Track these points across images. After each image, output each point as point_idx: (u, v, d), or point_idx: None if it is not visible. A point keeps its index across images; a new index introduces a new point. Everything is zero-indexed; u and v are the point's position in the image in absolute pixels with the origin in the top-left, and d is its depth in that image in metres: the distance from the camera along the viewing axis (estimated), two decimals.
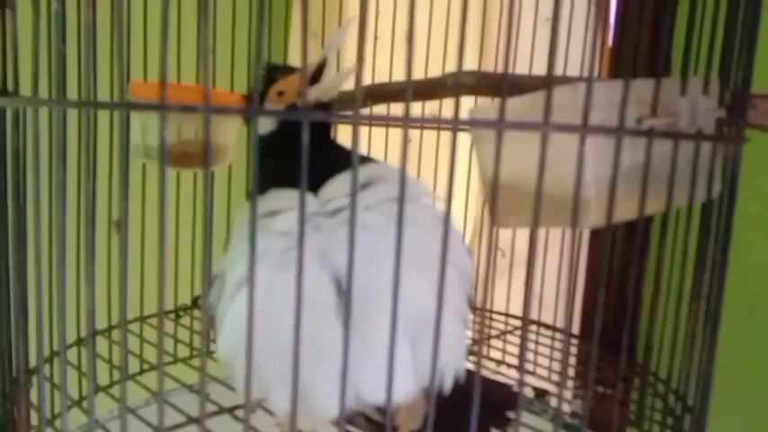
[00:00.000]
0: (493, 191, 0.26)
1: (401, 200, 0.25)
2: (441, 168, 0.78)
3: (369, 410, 0.47)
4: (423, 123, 0.24)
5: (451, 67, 0.73)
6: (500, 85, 0.47)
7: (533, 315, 0.77)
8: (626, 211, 0.31)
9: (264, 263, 0.35)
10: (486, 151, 0.36)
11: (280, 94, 0.43)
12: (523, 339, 0.27)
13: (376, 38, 0.82)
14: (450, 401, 0.37)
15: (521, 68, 0.70)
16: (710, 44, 0.38)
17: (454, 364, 0.40)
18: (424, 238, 0.34)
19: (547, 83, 0.26)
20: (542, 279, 0.74)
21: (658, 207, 0.32)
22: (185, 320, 0.73)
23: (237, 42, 0.73)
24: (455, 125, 0.25)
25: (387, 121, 0.32)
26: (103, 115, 0.61)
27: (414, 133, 0.82)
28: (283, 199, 0.37)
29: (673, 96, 0.32)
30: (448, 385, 0.39)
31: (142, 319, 0.69)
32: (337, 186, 0.38)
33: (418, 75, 0.72)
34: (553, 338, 0.73)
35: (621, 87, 0.29)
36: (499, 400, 0.50)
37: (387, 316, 0.26)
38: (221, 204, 0.71)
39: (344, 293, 0.28)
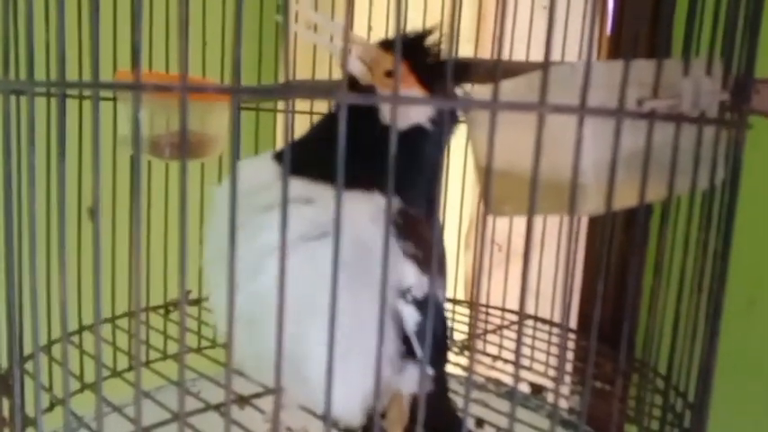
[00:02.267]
0: (487, 177, 0.24)
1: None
2: None
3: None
4: (415, 102, 0.22)
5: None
6: (493, 71, 0.45)
7: (530, 310, 0.76)
8: (625, 198, 0.29)
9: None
10: (479, 137, 0.35)
11: (387, 74, 0.38)
12: (520, 333, 0.25)
13: (370, 28, 0.81)
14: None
15: (518, 56, 0.69)
16: (713, 28, 0.37)
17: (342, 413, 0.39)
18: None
19: (544, 67, 0.25)
20: (539, 273, 0.72)
21: (659, 194, 0.31)
22: (174, 316, 0.72)
23: (227, 36, 0.72)
24: (446, 104, 0.24)
25: (372, 102, 0.30)
26: (73, 103, 0.59)
27: None
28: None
29: (675, 78, 0.30)
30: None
31: (130, 314, 0.67)
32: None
33: None
34: (550, 333, 0.72)
35: (621, 68, 0.27)
36: None
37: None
38: (159, 200, 0.70)
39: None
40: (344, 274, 0.25)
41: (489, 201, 0.32)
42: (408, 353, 0.39)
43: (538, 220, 0.72)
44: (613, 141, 0.26)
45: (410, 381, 0.40)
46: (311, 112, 0.75)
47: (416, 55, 0.37)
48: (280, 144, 0.81)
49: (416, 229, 0.37)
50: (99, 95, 0.26)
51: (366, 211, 0.35)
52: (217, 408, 0.47)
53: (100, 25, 0.26)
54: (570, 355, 0.71)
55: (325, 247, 0.26)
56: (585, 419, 0.31)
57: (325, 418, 0.24)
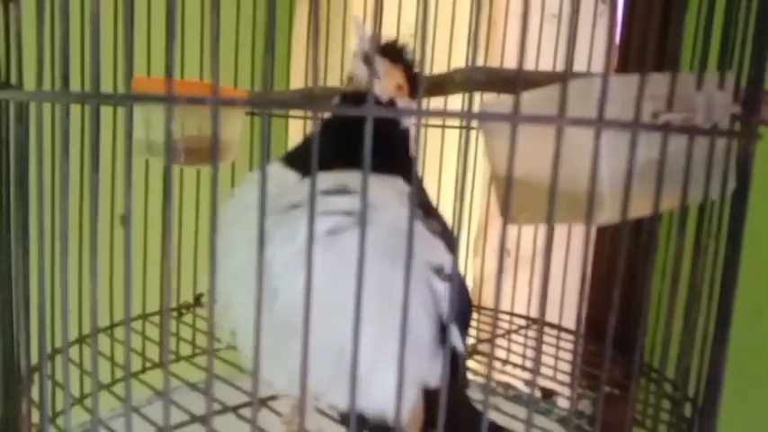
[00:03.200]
0: (507, 187, 0.25)
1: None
2: (446, 165, 0.77)
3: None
4: (437, 114, 0.23)
5: (457, 63, 0.73)
6: (511, 81, 0.46)
7: (537, 314, 0.77)
8: (639, 209, 0.30)
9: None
10: (497, 147, 0.35)
11: (399, 87, 0.42)
12: (539, 341, 0.26)
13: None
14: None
15: (527, 65, 0.70)
16: (722, 41, 0.37)
17: (390, 410, 0.37)
18: (384, 266, 0.32)
19: (563, 78, 0.26)
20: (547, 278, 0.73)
21: (672, 204, 0.31)
22: (188, 318, 0.73)
23: (241, 40, 0.73)
24: (468, 118, 0.25)
25: (399, 115, 0.31)
26: (106, 110, 0.60)
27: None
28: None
29: (688, 91, 0.31)
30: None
31: (144, 316, 0.68)
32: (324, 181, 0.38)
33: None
34: (558, 338, 0.73)
35: (636, 82, 0.28)
36: None
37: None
38: (189, 205, 0.70)
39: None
40: (389, 258, 0.26)
41: (508, 210, 0.33)
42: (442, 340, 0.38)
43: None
44: (628, 153, 0.27)
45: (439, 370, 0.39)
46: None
47: (412, 67, 0.41)
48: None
49: (431, 208, 0.39)
50: (132, 107, 0.27)
51: (394, 197, 0.36)
52: (234, 410, 0.47)
53: (135, 36, 0.27)
54: (578, 360, 0.71)
55: (369, 234, 0.26)
56: (589, 422, 0.32)
57: (396, 417, 0.25)
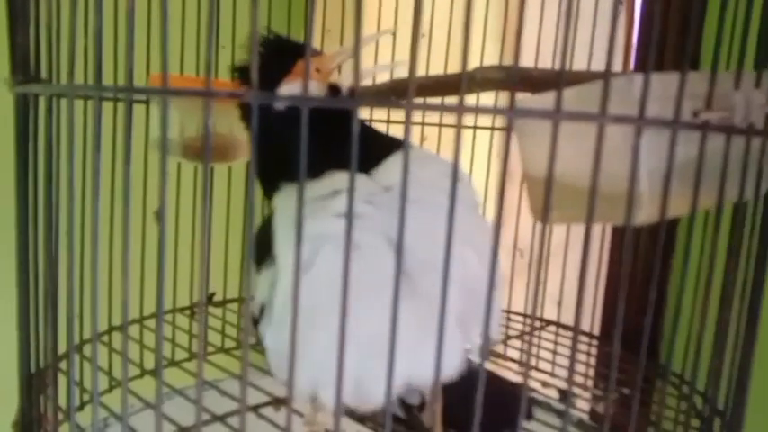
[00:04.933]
0: (547, 185, 0.25)
1: (455, 175, 0.24)
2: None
3: (395, 406, 0.46)
4: (477, 111, 0.23)
5: (453, 61, 0.73)
6: (531, 79, 0.46)
7: (552, 316, 0.76)
8: (677, 208, 0.30)
9: (329, 245, 0.34)
10: (529, 146, 0.35)
11: (317, 70, 0.42)
12: (574, 351, 0.26)
13: (394, 33, 0.82)
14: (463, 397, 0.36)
15: (543, 64, 0.70)
16: (759, 38, 0.37)
17: (495, 338, 0.38)
18: (469, 214, 0.33)
19: (605, 78, 0.25)
20: (562, 279, 0.73)
21: (707, 204, 0.31)
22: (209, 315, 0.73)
23: (238, 37, 0.72)
24: (510, 114, 0.24)
25: (440, 110, 0.31)
26: (138, 109, 0.60)
27: (430, 131, 0.81)
28: (339, 181, 0.36)
29: (725, 90, 0.31)
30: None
31: (174, 311, 0.68)
32: (393, 166, 0.37)
33: (438, 70, 0.71)
34: (573, 339, 0.72)
35: (674, 81, 0.28)
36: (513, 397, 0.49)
37: (451, 290, 0.26)
38: (220, 201, 0.70)
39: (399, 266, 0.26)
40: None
41: (536, 209, 0.33)
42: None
43: (562, 226, 0.72)
44: (668, 151, 0.27)
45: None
46: None
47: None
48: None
49: None
50: (168, 102, 0.26)
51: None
52: (254, 409, 0.47)
53: (168, 33, 0.26)
54: (593, 361, 0.71)
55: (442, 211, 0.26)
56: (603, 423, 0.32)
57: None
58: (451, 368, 0.34)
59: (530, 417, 0.51)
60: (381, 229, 0.35)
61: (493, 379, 0.51)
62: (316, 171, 0.36)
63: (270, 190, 0.42)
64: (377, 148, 0.38)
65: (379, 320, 0.31)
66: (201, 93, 0.25)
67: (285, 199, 0.40)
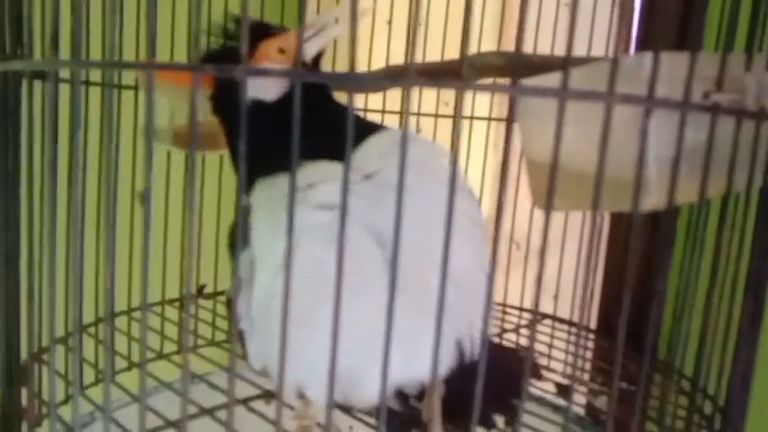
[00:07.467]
0: (552, 170, 0.24)
1: (454, 172, 0.23)
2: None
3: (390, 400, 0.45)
4: (477, 88, 0.22)
5: (452, 49, 0.71)
6: (532, 65, 0.45)
7: (549, 309, 0.75)
8: (685, 194, 0.29)
9: (309, 238, 0.32)
10: (532, 129, 0.34)
11: (281, 51, 0.40)
12: (579, 341, 0.25)
13: (390, 22, 0.80)
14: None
15: (542, 51, 0.68)
16: (752, 19, 0.36)
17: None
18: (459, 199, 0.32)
19: (613, 58, 0.24)
20: (559, 272, 0.72)
21: (716, 190, 0.30)
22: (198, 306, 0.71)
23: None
24: (514, 92, 0.23)
25: (440, 86, 0.30)
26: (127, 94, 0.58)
27: (425, 121, 0.80)
28: (317, 171, 0.34)
29: (736, 72, 0.30)
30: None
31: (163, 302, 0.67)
32: (370, 150, 0.36)
33: (434, 57, 0.70)
34: (569, 333, 0.71)
35: (684, 62, 0.27)
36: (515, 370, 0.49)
37: (437, 281, 0.24)
38: (211, 192, 0.69)
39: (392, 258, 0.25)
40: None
41: (538, 195, 0.32)
42: None
43: (559, 218, 0.71)
44: (678, 134, 0.26)
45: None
46: None
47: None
48: None
49: None
50: (153, 75, 0.25)
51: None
52: (244, 402, 0.46)
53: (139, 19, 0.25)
54: (590, 356, 0.70)
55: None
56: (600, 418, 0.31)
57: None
58: (441, 363, 0.33)
59: (538, 376, 0.51)
60: (365, 221, 0.33)
61: (496, 350, 0.50)
62: (289, 162, 0.34)
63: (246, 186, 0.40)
64: (356, 134, 0.36)
65: (366, 316, 0.29)
66: (189, 67, 0.24)
67: (260, 194, 0.38)
